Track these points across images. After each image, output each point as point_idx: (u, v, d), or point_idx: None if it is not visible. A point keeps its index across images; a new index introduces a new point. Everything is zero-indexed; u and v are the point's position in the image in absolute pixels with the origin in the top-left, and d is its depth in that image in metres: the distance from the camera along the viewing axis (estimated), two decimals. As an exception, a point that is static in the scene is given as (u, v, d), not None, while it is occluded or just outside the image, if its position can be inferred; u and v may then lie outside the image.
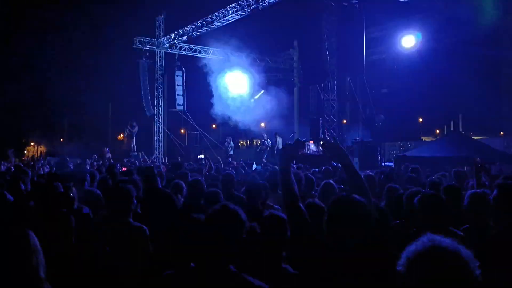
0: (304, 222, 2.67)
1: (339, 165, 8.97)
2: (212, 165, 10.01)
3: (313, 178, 6.47)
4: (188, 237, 2.86)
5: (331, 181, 5.33)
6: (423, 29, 17.94)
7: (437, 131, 30.92)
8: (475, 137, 19.91)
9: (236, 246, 2.19)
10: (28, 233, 2.11)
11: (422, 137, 25.36)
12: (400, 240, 2.09)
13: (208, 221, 2.25)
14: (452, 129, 25.28)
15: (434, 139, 24.71)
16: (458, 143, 15.45)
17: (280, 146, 18.67)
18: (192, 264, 2.25)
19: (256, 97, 23.02)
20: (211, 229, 2.21)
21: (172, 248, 3.23)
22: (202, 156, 18.52)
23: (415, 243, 1.58)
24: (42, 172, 10.75)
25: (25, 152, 33.18)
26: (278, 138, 19.29)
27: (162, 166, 11.69)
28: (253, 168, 12.58)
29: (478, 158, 10.09)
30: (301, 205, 2.76)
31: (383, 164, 15.72)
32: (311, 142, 16.28)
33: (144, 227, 3.65)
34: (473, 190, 3.98)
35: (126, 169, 10.14)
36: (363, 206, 2.26)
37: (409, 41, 17.94)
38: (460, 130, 24.16)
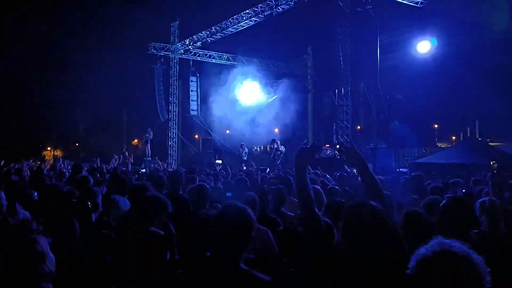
0: (320, 228, 2.65)
1: (354, 170, 8.92)
2: (229, 170, 10.03)
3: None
4: (198, 236, 2.86)
5: (336, 187, 5.35)
6: (438, 34, 17.73)
7: (453, 137, 30.52)
8: (492, 144, 19.61)
9: (245, 243, 2.20)
10: (35, 241, 2.09)
11: (438, 144, 25.08)
12: None
13: (216, 218, 2.26)
14: (468, 135, 24.98)
15: (450, 145, 24.40)
16: (475, 150, 15.25)
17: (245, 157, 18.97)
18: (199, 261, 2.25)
19: (263, 102, 23.00)
20: (220, 226, 2.22)
21: (183, 246, 3.22)
22: (220, 161, 18.46)
23: (425, 247, 1.56)
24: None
25: (42, 156, 33.66)
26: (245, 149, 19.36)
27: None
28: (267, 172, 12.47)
29: (496, 165, 9.91)
30: (316, 210, 2.74)
31: (397, 170, 15.56)
32: (327, 146, 16.19)
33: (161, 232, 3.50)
34: (484, 198, 3.98)
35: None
36: (380, 212, 2.24)
37: (424, 46, 17.72)
38: (477, 136, 23.83)
